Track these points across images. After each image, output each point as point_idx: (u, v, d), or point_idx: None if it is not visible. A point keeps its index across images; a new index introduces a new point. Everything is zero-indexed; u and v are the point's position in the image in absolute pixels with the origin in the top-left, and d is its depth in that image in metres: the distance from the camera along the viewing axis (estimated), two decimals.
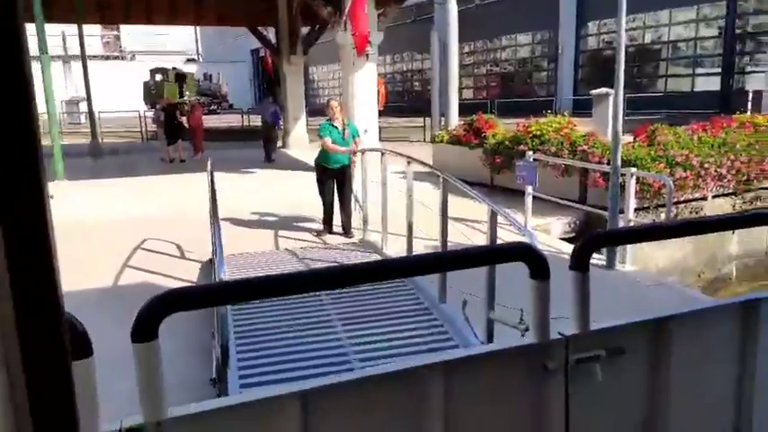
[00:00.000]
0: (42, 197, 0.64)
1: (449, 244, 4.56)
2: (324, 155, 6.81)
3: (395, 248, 6.04)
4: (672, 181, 7.31)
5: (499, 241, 3.80)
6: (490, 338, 3.68)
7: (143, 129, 21.21)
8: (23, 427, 0.70)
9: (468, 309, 3.95)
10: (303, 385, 1.50)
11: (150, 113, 19.99)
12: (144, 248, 6.72)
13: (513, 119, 11.66)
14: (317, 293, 4.76)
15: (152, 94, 31.31)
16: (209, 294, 1.60)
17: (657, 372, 1.85)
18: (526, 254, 1.73)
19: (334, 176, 6.82)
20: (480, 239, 6.95)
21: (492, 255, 2.00)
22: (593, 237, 1.89)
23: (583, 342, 1.72)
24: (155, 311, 1.31)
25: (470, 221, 7.37)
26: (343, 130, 6.77)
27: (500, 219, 3.72)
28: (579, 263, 1.75)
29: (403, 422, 1.60)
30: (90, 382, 1.23)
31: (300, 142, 17.53)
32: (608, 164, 6.97)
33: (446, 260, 1.99)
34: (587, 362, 1.71)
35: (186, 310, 1.40)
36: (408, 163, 5.19)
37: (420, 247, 5.48)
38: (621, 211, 6.10)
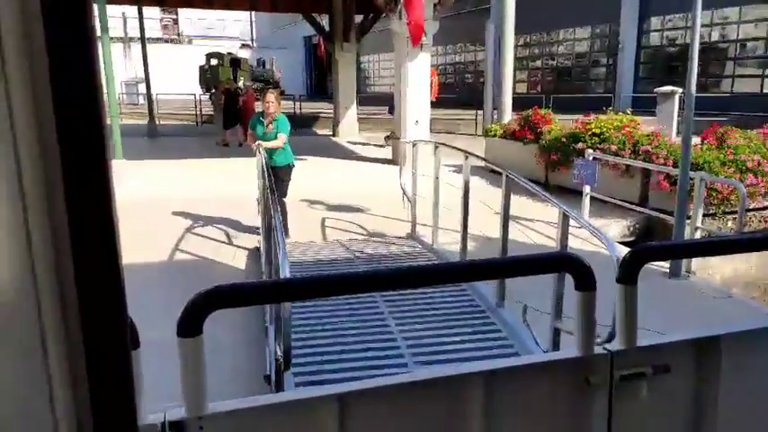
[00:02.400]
0: (108, 184, 0.63)
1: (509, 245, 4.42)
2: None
3: (444, 242, 5.93)
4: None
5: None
6: (555, 347, 3.58)
7: (198, 112, 21.61)
8: (83, 415, 0.72)
9: (532, 317, 3.85)
10: (342, 388, 1.49)
11: (205, 97, 20.37)
12: (194, 232, 6.81)
13: (569, 115, 11.29)
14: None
15: (207, 78, 31.84)
16: (259, 292, 1.57)
17: (704, 392, 1.78)
18: (570, 264, 1.69)
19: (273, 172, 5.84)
20: (541, 241, 6.76)
21: (536, 264, 1.94)
22: (643, 250, 1.83)
23: (628, 358, 1.67)
24: (201, 307, 1.31)
25: (525, 220, 7.17)
26: (269, 124, 6.26)
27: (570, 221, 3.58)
28: (626, 276, 1.69)
29: (440, 430, 1.58)
30: (138, 374, 1.20)
31: (351, 130, 17.52)
32: (674, 166, 6.64)
33: (488, 269, 1.92)
34: (632, 379, 1.66)
35: (233, 307, 1.40)
36: (466, 158, 5.04)
37: (473, 245, 5.33)
38: (688, 217, 5.80)
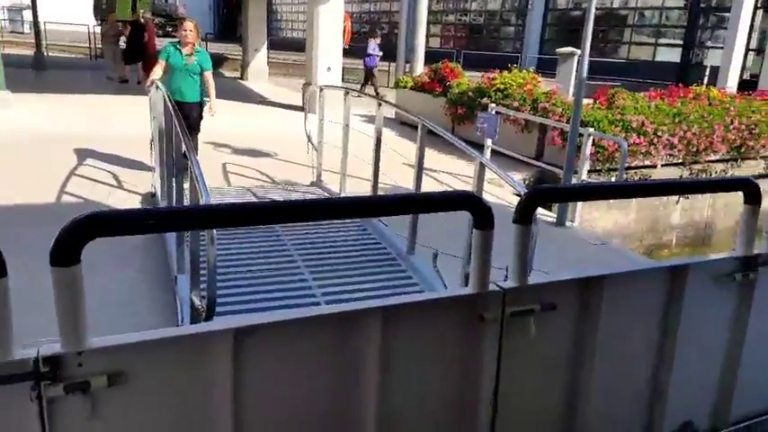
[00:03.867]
0: None
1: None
2: (167, 85, 5.43)
3: (351, 191, 5.98)
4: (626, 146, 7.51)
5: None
6: None
7: (92, 45, 19.99)
8: None
9: (444, 264, 3.95)
10: (237, 322, 1.44)
11: (99, 29, 18.80)
12: (83, 173, 6.37)
13: (478, 72, 11.55)
14: (274, 230, 4.71)
15: (103, 8, 29.35)
16: (142, 219, 1.39)
17: (586, 329, 1.89)
18: (471, 203, 1.72)
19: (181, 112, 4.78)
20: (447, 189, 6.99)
21: (438, 202, 1.97)
22: (537, 192, 1.92)
23: (519, 296, 1.74)
24: (77, 234, 1.20)
25: (431, 171, 7.38)
26: (189, 55, 5.83)
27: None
28: (522, 216, 1.76)
29: (338, 364, 1.58)
30: (3, 305, 1.16)
31: (260, 75, 16.95)
32: (567, 122, 7.05)
33: (393, 203, 1.94)
34: (522, 315, 1.73)
35: (113, 236, 1.26)
36: (379, 105, 5.04)
37: (382, 194, 5.42)
38: (575, 172, 6.23)
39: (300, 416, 1.57)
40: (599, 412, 2.00)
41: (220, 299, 3.53)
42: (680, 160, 8.40)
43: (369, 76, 15.47)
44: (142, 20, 13.69)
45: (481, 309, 1.70)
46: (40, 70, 15.05)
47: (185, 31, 5.83)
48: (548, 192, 2.12)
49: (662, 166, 8.28)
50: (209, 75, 6.00)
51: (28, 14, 20.65)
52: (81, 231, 1.21)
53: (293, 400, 1.55)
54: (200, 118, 6.14)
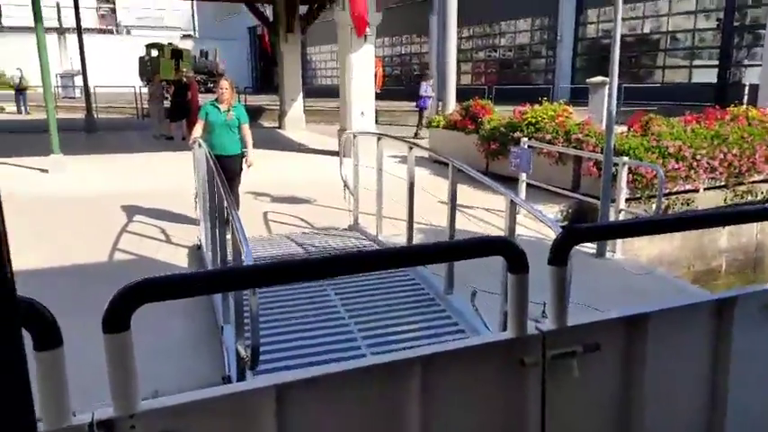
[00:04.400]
0: None
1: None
2: (208, 141, 5.89)
3: (388, 233, 6.08)
4: (665, 172, 7.41)
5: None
6: (506, 330, 3.70)
7: (138, 105, 21.06)
8: None
9: (483, 302, 3.97)
10: (280, 378, 1.47)
11: (145, 89, 19.85)
12: (133, 229, 6.69)
13: (511, 105, 11.66)
14: (320, 283, 4.81)
15: (147, 69, 31.00)
16: (187, 283, 1.44)
17: (632, 368, 1.84)
18: (504, 248, 1.72)
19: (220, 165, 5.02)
20: (485, 228, 7.02)
21: (471, 249, 1.94)
22: (571, 232, 1.87)
23: (560, 338, 1.71)
24: (128, 301, 1.24)
25: (466, 207, 7.43)
26: (228, 111, 6.18)
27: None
28: (557, 258, 1.74)
29: (380, 416, 1.59)
30: (59, 373, 1.19)
31: (297, 123, 17.47)
32: (602, 152, 7.02)
33: (428, 253, 1.95)
34: (564, 357, 1.70)
35: (163, 300, 1.31)
36: (410, 148, 5.15)
37: (417, 234, 5.50)
38: (613, 200, 6.18)
39: None
40: None
41: (265, 347, 3.64)
42: (722, 183, 8.22)
43: (422, 117, 16.00)
44: (185, 79, 14.40)
45: (522, 353, 1.68)
46: (90, 132, 15.92)
47: (222, 89, 6.19)
48: (583, 231, 2.05)
49: (704, 189, 8.11)
50: (246, 127, 6.30)
51: (78, 80, 21.96)
52: (131, 299, 1.25)
53: None
54: (241, 169, 6.41)
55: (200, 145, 5.42)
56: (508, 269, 1.68)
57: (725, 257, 8.40)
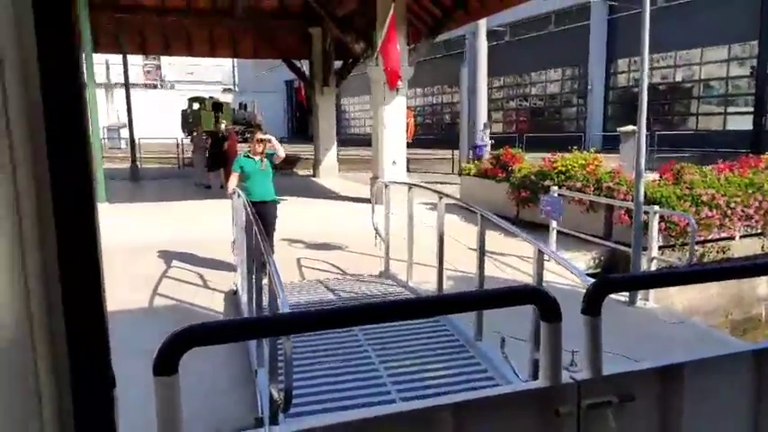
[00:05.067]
0: (94, 221, 0.64)
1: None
2: (245, 189, 6.31)
3: (418, 279, 6.17)
4: (698, 220, 7.36)
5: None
6: (535, 377, 3.73)
7: (180, 155, 21.91)
8: None
9: (511, 348, 4.01)
10: (310, 423, 1.50)
11: (187, 141, 20.71)
12: (172, 275, 6.94)
13: (543, 153, 11.78)
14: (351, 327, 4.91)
15: (189, 122, 32.32)
16: (231, 329, 1.57)
17: (668, 420, 1.82)
18: (536, 296, 1.74)
19: (257, 210, 5.49)
20: (513, 275, 7.06)
21: (504, 297, 1.97)
22: (605, 282, 1.87)
23: (594, 387, 1.70)
24: (176, 345, 1.31)
25: (498, 254, 7.49)
26: (261, 160, 6.62)
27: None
28: (590, 307, 1.74)
29: None
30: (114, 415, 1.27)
31: (331, 171, 17.91)
32: (633, 201, 7.05)
33: (461, 302, 2.02)
34: (599, 407, 1.69)
35: (209, 344, 1.40)
36: (440, 198, 5.29)
37: (447, 281, 5.57)
38: (645, 249, 6.17)
39: None
40: None
41: (296, 391, 3.74)
42: (759, 230, 8.09)
43: None
44: (224, 131, 15.05)
45: (556, 403, 1.67)
46: (135, 181, 16.62)
47: (254, 143, 6.68)
48: (616, 281, 2.04)
49: (740, 237, 8.00)
50: (276, 156, 6.72)
51: (124, 132, 23.03)
52: (180, 344, 1.32)
53: None
54: (276, 216, 6.71)
55: (239, 195, 5.68)
56: (541, 317, 1.69)
57: (765, 305, 8.18)
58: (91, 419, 0.70)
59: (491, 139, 16.71)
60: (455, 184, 14.17)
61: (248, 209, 4.61)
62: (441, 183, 15.34)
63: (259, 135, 6.74)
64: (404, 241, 6.14)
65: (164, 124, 31.82)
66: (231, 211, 6.44)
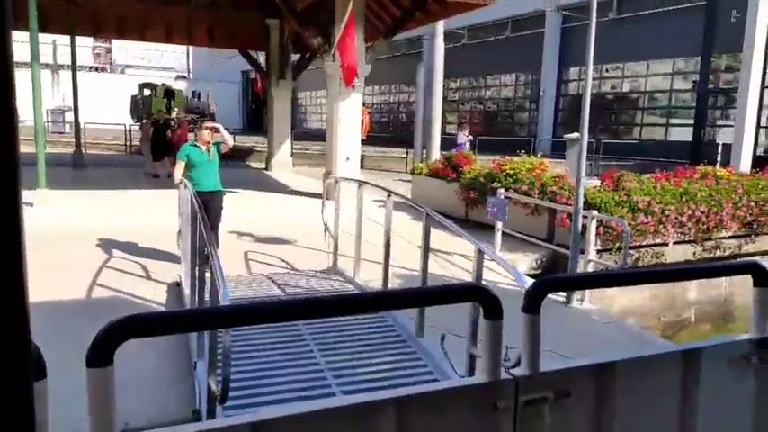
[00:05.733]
0: (18, 207, 0.61)
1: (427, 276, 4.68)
2: (191, 179, 6.19)
3: (366, 276, 6.24)
4: (634, 226, 7.71)
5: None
6: (471, 373, 3.80)
7: (128, 142, 21.30)
8: None
9: (451, 344, 4.13)
10: (255, 416, 1.49)
11: (136, 128, 20.17)
12: (114, 265, 6.78)
13: (494, 156, 12.05)
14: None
15: (139, 108, 31.42)
16: (169, 321, 1.51)
17: (601, 416, 1.90)
18: (479, 294, 1.77)
19: (204, 201, 5.35)
20: (458, 273, 7.21)
21: (448, 294, 2.01)
22: (545, 282, 1.93)
23: (532, 384, 1.76)
24: (111, 337, 1.27)
25: (443, 253, 7.64)
26: (208, 150, 6.56)
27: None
28: (530, 306, 1.80)
29: None
30: (42, 406, 1.23)
31: (284, 166, 17.77)
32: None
33: (405, 298, 2.05)
34: (536, 403, 1.76)
35: (146, 337, 1.36)
36: (388, 196, 5.37)
37: (393, 277, 5.66)
38: (583, 252, 6.42)
39: None
40: None
41: (237, 384, 3.74)
42: (691, 237, 8.53)
43: None
44: (174, 120, 14.73)
45: (495, 398, 1.73)
46: (78, 168, 16.06)
47: (206, 129, 6.60)
48: (555, 282, 2.11)
49: (673, 243, 8.41)
50: (223, 145, 6.69)
51: (69, 116, 22.23)
52: (116, 334, 1.28)
53: None
54: (222, 207, 6.67)
55: (185, 185, 5.60)
56: (484, 315, 1.73)
57: (694, 309, 8.65)
58: (6, 413, 0.67)
59: (469, 137, 16.85)
60: (409, 182, 14.33)
61: (194, 199, 4.57)
62: (396, 180, 15.49)
63: (207, 123, 6.67)
64: (353, 238, 6.19)
65: (112, 110, 30.82)
66: (178, 202, 6.33)
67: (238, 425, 1.46)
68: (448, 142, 16.96)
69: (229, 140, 6.74)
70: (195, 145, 6.57)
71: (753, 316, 2.17)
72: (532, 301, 1.80)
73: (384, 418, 1.60)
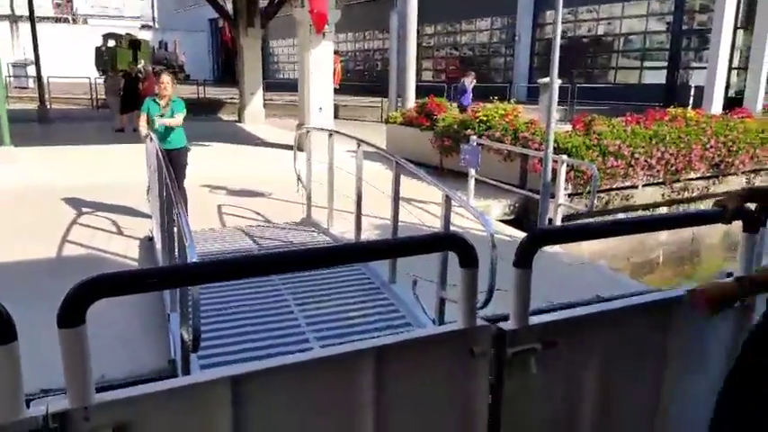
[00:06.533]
0: None
1: (400, 225, 4.73)
2: (155, 134, 5.96)
3: (340, 228, 6.26)
4: (604, 169, 7.81)
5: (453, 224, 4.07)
6: (441, 317, 3.93)
7: (94, 96, 20.66)
8: None
9: (423, 290, 4.21)
10: (235, 369, 1.50)
11: (101, 80, 19.52)
12: (85, 221, 6.69)
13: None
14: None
15: (104, 60, 30.37)
16: (143, 280, 1.49)
17: (588, 363, 1.95)
18: (455, 243, 1.77)
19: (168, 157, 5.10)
20: (431, 221, 7.26)
21: (424, 244, 2.04)
22: (536, 235, 1.92)
23: (522, 336, 1.79)
24: (82, 296, 1.26)
25: (418, 202, 7.67)
26: (165, 106, 6.26)
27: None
28: (521, 260, 1.79)
29: (334, 406, 1.64)
30: (14, 367, 1.23)
31: (256, 117, 17.45)
32: None
33: (381, 248, 2.08)
34: (524, 354, 1.79)
35: (118, 295, 1.34)
36: (358, 145, 5.33)
37: (367, 227, 5.67)
38: (553, 196, 6.51)
39: None
40: None
41: (212, 334, 3.79)
42: (660, 180, 8.68)
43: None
44: (142, 72, 14.28)
45: (471, 343, 1.75)
46: (44, 123, 15.60)
47: (163, 83, 6.24)
48: (546, 234, 2.09)
49: (643, 186, 8.56)
50: (177, 114, 6.26)
51: (32, 70, 21.40)
52: (86, 294, 1.27)
53: None
54: (186, 163, 6.45)
55: (151, 139, 5.49)
56: (460, 263, 1.73)
57: (662, 250, 8.89)
58: None
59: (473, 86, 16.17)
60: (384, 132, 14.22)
61: (159, 153, 4.50)
62: (372, 131, 15.32)
63: (164, 77, 6.33)
64: (326, 188, 6.17)
65: (76, 62, 29.69)
66: (146, 157, 6.22)
67: (218, 379, 1.47)
68: (423, 90, 16.70)
69: (174, 123, 6.27)
70: (155, 100, 6.30)
71: (739, 259, 2.24)
72: (524, 255, 1.79)
73: (363, 367, 1.63)
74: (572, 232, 2.84)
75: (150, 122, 6.22)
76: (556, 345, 1.84)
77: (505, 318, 1.84)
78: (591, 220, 6.97)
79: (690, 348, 2.12)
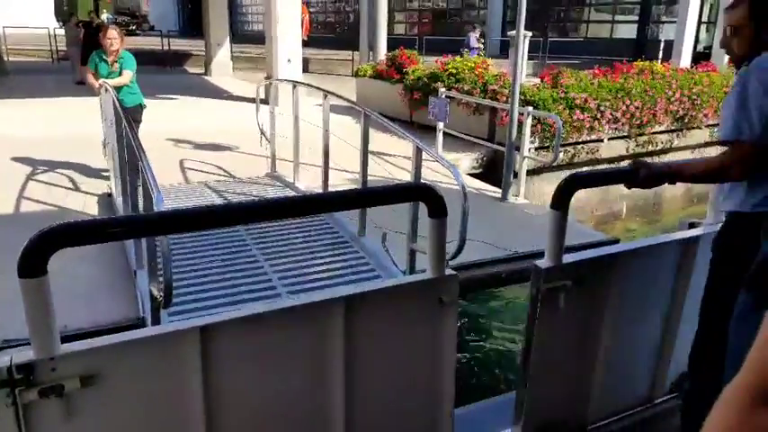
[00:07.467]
0: None
1: (369, 178, 4.73)
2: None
3: (306, 181, 6.22)
4: (571, 122, 7.86)
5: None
6: (412, 269, 4.01)
7: (54, 47, 19.81)
8: None
9: (393, 243, 4.24)
10: (204, 320, 1.49)
11: (61, 31, 18.69)
12: (42, 177, 6.50)
13: (442, 57, 11.82)
14: (235, 227, 4.91)
15: (64, 9, 29.05)
16: (102, 228, 1.44)
17: (608, 296, 2.10)
18: (425, 194, 1.77)
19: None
20: (401, 175, 7.26)
21: (394, 194, 2.06)
22: (573, 178, 2.00)
23: (555, 273, 1.93)
24: (43, 246, 1.23)
25: (388, 156, 7.64)
26: (113, 63, 5.82)
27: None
28: (557, 202, 1.87)
29: (305, 355, 1.66)
30: None
31: (224, 70, 17.01)
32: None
33: (351, 198, 2.08)
34: (556, 290, 1.94)
35: (79, 245, 1.31)
36: (325, 96, 5.27)
37: (335, 181, 5.65)
38: (517, 149, 6.55)
39: (270, 408, 1.65)
40: (614, 372, 2.26)
41: (181, 290, 3.77)
42: (625, 133, 8.78)
43: None
44: (98, 21, 13.72)
45: (440, 292, 1.79)
46: (0, 76, 14.97)
47: (109, 39, 5.79)
48: (583, 177, 2.13)
49: (608, 139, 8.65)
50: (125, 72, 5.82)
51: None
52: (47, 243, 1.23)
53: (262, 392, 1.62)
54: (139, 122, 5.95)
55: (106, 90, 5.30)
56: (429, 214, 1.74)
57: (625, 203, 9.08)
58: None
59: (481, 42, 15.71)
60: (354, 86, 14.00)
61: (115, 105, 4.37)
62: (343, 84, 15.07)
63: (110, 31, 5.85)
64: (292, 142, 6.10)
65: (34, 11, 28.32)
66: (100, 110, 6.03)
67: (187, 329, 1.46)
68: (396, 43, 16.41)
69: (121, 82, 5.78)
70: (103, 57, 5.87)
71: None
72: (560, 199, 1.87)
73: (333, 316, 1.64)
74: (605, 175, 2.86)
75: (98, 78, 5.87)
76: (583, 282, 1.98)
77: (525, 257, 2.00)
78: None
79: (697, 283, 2.23)
